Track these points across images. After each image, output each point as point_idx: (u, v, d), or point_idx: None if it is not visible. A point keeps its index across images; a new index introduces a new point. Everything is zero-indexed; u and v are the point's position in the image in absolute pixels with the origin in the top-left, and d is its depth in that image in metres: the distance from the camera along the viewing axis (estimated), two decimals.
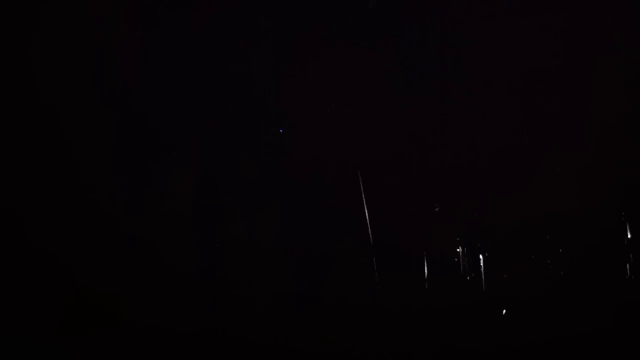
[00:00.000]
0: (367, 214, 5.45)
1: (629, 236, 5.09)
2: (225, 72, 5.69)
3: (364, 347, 5.15)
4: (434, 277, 5.35)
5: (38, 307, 5.17)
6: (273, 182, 5.58)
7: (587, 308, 5.04)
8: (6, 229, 5.29)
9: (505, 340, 5.07)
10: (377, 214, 5.47)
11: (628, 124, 5.22)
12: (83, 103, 5.53)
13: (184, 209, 5.55)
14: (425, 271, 5.36)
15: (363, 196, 5.49)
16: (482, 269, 5.32)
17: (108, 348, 5.16)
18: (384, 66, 5.61)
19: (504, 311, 5.17)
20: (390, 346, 5.15)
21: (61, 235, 5.35)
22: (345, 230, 5.46)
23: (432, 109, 5.55)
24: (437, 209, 5.38)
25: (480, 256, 5.33)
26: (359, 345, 5.14)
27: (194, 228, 5.53)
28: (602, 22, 5.37)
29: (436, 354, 5.17)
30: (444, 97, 5.56)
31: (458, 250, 5.36)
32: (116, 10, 5.63)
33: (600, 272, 5.09)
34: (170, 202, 5.54)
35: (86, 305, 5.24)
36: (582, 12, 5.40)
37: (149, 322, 5.23)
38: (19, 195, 5.37)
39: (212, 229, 5.52)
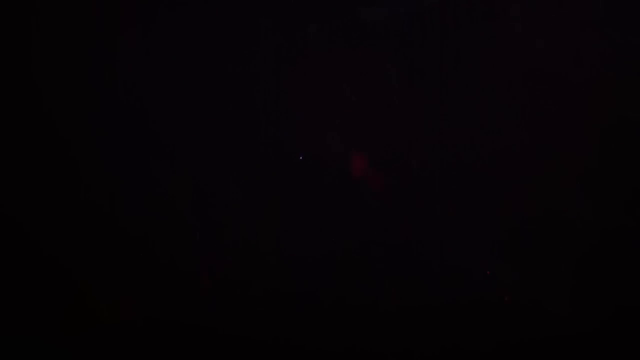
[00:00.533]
0: (367, 215, 5.45)
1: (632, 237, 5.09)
2: (225, 72, 5.69)
3: (364, 347, 5.15)
4: (434, 278, 5.35)
5: (38, 307, 5.18)
6: (273, 182, 5.58)
7: (589, 308, 5.04)
8: (6, 229, 5.29)
9: (505, 340, 5.07)
10: (377, 215, 5.47)
11: (630, 124, 5.23)
12: (82, 103, 5.53)
13: (184, 209, 5.55)
14: (426, 272, 5.36)
15: (364, 197, 5.49)
16: (483, 269, 5.32)
17: (108, 347, 5.16)
18: (384, 66, 5.61)
19: (506, 311, 5.17)
20: (390, 346, 5.15)
21: (61, 236, 5.35)
22: (345, 230, 5.45)
23: (433, 109, 5.55)
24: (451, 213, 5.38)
25: (481, 257, 5.33)
26: (359, 345, 5.15)
27: (194, 228, 5.52)
28: (603, 23, 5.38)
29: (436, 354, 5.17)
30: (445, 98, 5.56)
31: (458, 250, 5.37)
32: (116, 9, 5.63)
33: (604, 273, 5.09)
34: (170, 202, 5.54)
35: (86, 305, 5.24)
36: (585, 13, 5.41)
37: (149, 322, 5.24)
38: (18, 196, 5.36)
39: (212, 229, 5.52)
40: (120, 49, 5.65)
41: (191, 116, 5.63)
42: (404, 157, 5.58)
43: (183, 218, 5.51)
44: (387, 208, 5.49)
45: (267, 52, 5.73)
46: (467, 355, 5.12)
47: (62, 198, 5.43)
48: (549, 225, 5.25)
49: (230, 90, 5.69)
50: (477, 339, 5.11)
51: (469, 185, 5.43)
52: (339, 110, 5.64)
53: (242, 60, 5.70)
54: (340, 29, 5.68)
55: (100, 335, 5.20)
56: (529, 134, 5.40)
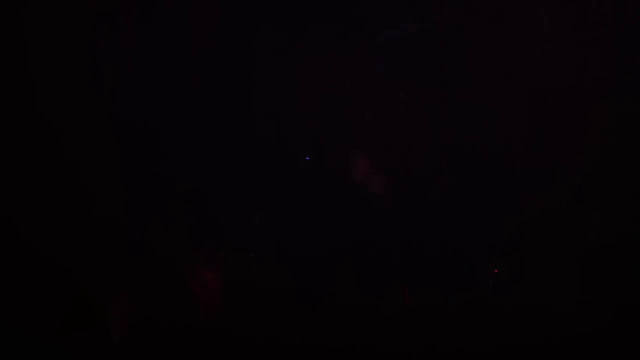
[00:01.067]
0: (368, 216, 5.46)
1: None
2: (225, 74, 5.70)
3: (364, 347, 5.15)
4: (434, 278, 5.35)
5: (38, 308, 5.18)
6: (273, 182, 5.59)
7: (590, 310, 5.05)
8: (7, 232, 5.29)
9: (506, 341, 5.07)
10: (377, 215, 5.48)
11: (631, 123, 5.25)
12: (80, 104, 5.53)
13: (185, 210, 5.56)
14: (426, 271, 5.37)
15: (365, 197, 5.50)
16: (484, 270, 5.33)
17: (108, 347, 5.16)
18: (385, 68, 5.63)
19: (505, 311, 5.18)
20: (390, 346, 5.16)
21: (61, 238, 5.35)
22: (346, 231, 5.46)
23: (434, 111, 5.57)
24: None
25: (481, 257, 5.34)
26: (359, 345, 5.15)
27: (195, 230, 5.53)
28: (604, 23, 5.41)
29: (436, 354, 5.17)
30: (445, 98, 5.58)
31: (458, 250, 5.38)
32: (115, 8, 5.64)
33: (606, 274, 5.10)
34: (170, 204, 5.54)
35: (86, 306, 5.24)
36: (585, 13, 5.44)
37: (149, 322, 5.24)
38: (18, 199, 5.36)
39: (213, 231, 5.53)
40: (120, 49, 5.65)
41: (191, 117, 5.63)
42: (405, 159, 5.59)
43: (184, 220, 5.51)
44: (387, 209, 5.50)
45: (268, 53, 5.74)
46: (467, 356, 5.12)
47: (62, 200, 5.43)
48: (550, 226, 5.27)
49: (230, 91, 5.70)
50: (478, 340, 5.11)
51: (470, 186, 5.45)
52: (339, 111, 5.65)
53: (243, 62, 5.70)
54: (341, 29, 5.69)
55: (100, 335, 5.20)
56: (531, 135, 5.42)
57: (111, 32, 5.65)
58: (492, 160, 5.45)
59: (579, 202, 5.25)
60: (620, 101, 5.27)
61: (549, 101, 5.43)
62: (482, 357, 5.06)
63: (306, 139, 5.67)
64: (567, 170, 5.31)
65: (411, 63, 5.63)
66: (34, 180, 5.40)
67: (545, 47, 5.51)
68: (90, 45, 5.59)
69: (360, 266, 5.40)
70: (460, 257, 5.36)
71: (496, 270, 5.29)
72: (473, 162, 5.49)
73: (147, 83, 5.64)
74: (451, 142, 5.55)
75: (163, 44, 5.68)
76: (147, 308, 5.28)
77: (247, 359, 5.13)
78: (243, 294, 5.36)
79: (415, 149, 5.58)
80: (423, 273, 5.35)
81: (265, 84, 5.72)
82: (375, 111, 5.67)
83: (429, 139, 5.58)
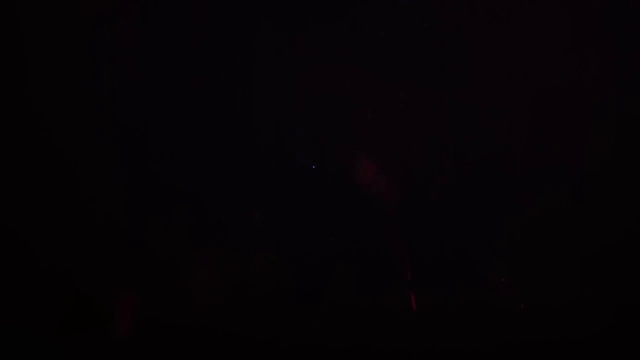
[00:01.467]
0: (368, 215, 5.45)
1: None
2: (224, 74, 5.69)
3: (365, 347, 5.15)
4: (434, 278, 5.35)
5: (39, 308, 5.17)
6: (273, 182, 5.58)
7: (592, 310, 5.05)
8: (7, 232, 5.28)
9: (508, 341, 5.07)
10: (377, 215, 5.47)
11: (632, 122, 5.24)
12: (80, 104, 5.51)
13: (184, 211, 5.55)
14: (426, 272, 5.36)
15: (365, 197, 5.49)
16: (484, 269, 5.32)
17: (108, 348, 5.15)
18: (385, 67, 5.62)
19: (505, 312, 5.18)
20: (391, 346, 5.15)
21: (61, 238, 5.34)
22: (346, 230, 5.46)
23: (433, 110, 5.56)
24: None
25: (482, 257, 5.33)
26: (360, 345, 5.15)
27: (194, 229, 5.52)
28: (605, 23, 5.40)
29: (437, 354, 5.17)
30: (445, 98, 5.57)
31: (457, 250, 5.37)
32: (114, 9, 5.63)
33: (608, 275, 5.10)
34: (170, 204, 5.53)
35: (86, 306, 5.23)
36: (585, 13, 5.43)
37: (149, 322, 5.23)
38: (17, 199, 5.35)
39: (213, 231, 5.52)
40: (120, 49, 5.64)
41: (191, 117, 5.62)
42: (404, 158, 5.58)
43: (184, 220, 5.50)
44: (387, 208, 5.49)
45: (267, 53, 5.73)
46: (467, 356, 5.12)
47: (61, 200, 5.42)
48: (550, 226, 5.26)
49: (230, 92, 5.69)
50: (478, 340, 5.11)
51: (470, 186, 5.44)
52: (339, 111, 5.64)
53: (243, 62, 5.69)
54: (340, 28, 5.68)
55: (100, 335, 5.19)
56: (531, 135, 5.42)
57: (111, 32, 5.62)
58: (492, 160, 5.44)
59: (579, 202, 5.26)
60: (620, 101, 5.27)
61: (549, 101, 5.43)
62: (483, 357, 5.06)
63: (306, 139, 5.65)
64: (567, 170, 5.32)
65: (411, 63, 5.62)
66: (33, 180, 5.39)
67: (545, 47, 5.50)
68: (90, 45, 5.56)
69: (360, 266, 5.40)
70: (461, 257, 5.36)
71: (498, 277, 5.29)
72: (473, 162, 5.48)
73: (147, 83, 5.62)
74: (451, 142, 5.54)
75: (163, 43, 5.66)
76: (147, 308, 5.27)
77: (247, 359, 5.12)
78: (243, 294, 5.35)
79: (415, 149, 5.57)
80: (423, 273, 5.35)
81: (265, 84, 5.71)
82: (376, 111, 5.66)
83: (429, 139, 5.57)
